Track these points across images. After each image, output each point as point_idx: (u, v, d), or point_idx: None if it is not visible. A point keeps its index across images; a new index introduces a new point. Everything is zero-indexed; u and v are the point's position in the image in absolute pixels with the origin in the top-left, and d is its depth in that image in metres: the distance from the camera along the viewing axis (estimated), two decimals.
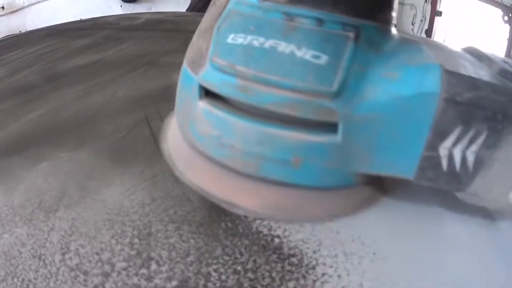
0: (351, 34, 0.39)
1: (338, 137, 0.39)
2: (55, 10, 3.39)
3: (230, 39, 0.41)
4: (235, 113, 0.41)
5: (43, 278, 0.38)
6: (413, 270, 0.41)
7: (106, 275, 0.38)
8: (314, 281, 0.38)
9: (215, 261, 0.39)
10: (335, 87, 0.38)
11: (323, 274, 0.39)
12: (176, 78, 0.73)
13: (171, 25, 1.17)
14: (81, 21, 1.28)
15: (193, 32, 0.97)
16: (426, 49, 0.42)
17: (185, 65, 0.47)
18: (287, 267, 0.39)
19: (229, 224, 0.43)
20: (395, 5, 0.44)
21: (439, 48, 0.43)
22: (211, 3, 0.48)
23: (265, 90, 0.39)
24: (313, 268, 0.39)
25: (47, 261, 0.39)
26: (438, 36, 4.79)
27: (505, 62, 0.43)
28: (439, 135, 0.39)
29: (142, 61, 0.83)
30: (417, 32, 5.20)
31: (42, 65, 0.84)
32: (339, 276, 0.39)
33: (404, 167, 0.41)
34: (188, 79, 0.45)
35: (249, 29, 0.41)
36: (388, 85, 0.39)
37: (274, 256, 0.40)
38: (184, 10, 2.35)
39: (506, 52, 3.64)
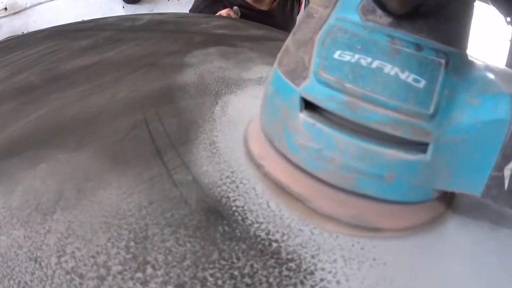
0: (443, 61, 0.41)
1: (427, 156, 0.41)
2: (57, 11, 3.39)
3: (337, 55, 0.42)
4: (338, 128, 0.42)
5: (39, 281, 0.37)
6: (413, 276, 0.41)
7: (102, 278, 0.37)
8: (313, 286, 0.38)
9: (211, 266, 0.39)
10: (431, 109, 0.40)
11: (322, 280, 0.39)
12: (177, 79, 0.73)
13: (172, 26, 1.17)
14: (82, 22, 1.28)
15: (194, 33, 0.97)
16: (493, 76, 0.44)
17: (280, 73, 0.48)
18: (285, 272, 0.39)
19: (226, 228, 0.42)
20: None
21: (498, 71, 0.45)
22: (308, 14, 0.49)
23: (371, 108, 0.40)
24: (312, 273, 0.39)
25: (43, 264, 0.39)
26: None
27: None
28: (506, 157, 0.41)
29: (143, 62, 0.83)
30: None
31: (43, 66, 0.84)
32: (337, 282, 0.39)
33: (474, 185, 0.43)
34: (287, 89, 0.46)
35: (356, 47, 0.42)
36: (471, 110, 0.41)
37: (272, 261, 0.40)
38: (187, 11, 2.34)
39: (509, 53, 3.64)
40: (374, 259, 0.41)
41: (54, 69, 0.82)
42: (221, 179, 0.48)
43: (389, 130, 0.40)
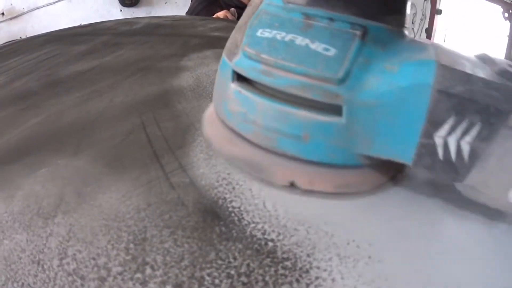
0: (358, 32, 0.45)
1: (342, 119, 0.45)
2: (55, 16, 3.39)
3: (259, 33, 0.48)
4: (259, 93, 0.48)
5: (41, 283, 0.38)
6: (409, 273, 0.41)
7: (102, 279, 0.38)
8: (308, 284, 0.39)
9: (208, 266, 0.39)
10: (340, 74, 0.43)
11: (317, 278, 0.39)
12: (174, 83, 0.74)
13: (169, 29, 1.17)
14: (80, 26, 1.29)
15: (190, 36, 0.98)
16: (430, 49, 0.46)
17: (223, 54, 0.54)
18: (281, 271, 0.40)
19: (223, 229, 0.43)
20: (407, 10, 0.50)
21: (445, 50, 0.47)
22: (249, 3, 0.55)
23: (283, 74, 0.46)
24: (307, 271, 0.40)
25: (45, 266, 0.39)
26: (438, 34, 4.79)
27: (510, 65, 0.46)
28: (434, 124, 0.43)
29: (140, 66, 0.83)
30: (417, 31, 5.19)
31: (41, 72, 0.84)
32: (333, 280, 0.39)
33: (402, 152, 0.45)
34: (225, 65, 0.52)
35: (274, 25, 0.48)
36: (388, 76, 0.44)
37: (268, 260, 0.40)
38: (184, 14, 2.35)
39: (507, 49, 3.64)
40: (369, 257, 0.42)
41: (52, 74, 0.82)
42: (217, 181, 0.49)
43: (299, 93, 0.45)
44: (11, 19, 3.34)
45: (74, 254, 0.40)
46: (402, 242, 0.44)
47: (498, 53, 3.66)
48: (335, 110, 0.45)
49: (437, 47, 0.47)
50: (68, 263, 0.39)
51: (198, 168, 0.51)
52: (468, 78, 0.42)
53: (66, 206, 0.46)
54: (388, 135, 0.45)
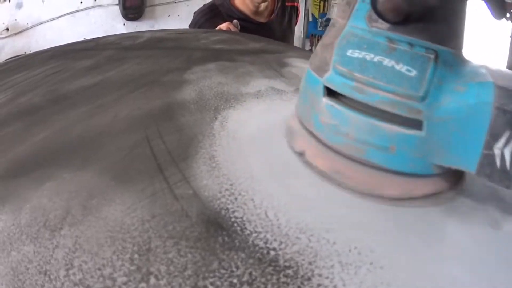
0: (432, 56, 0.50)
1: (423, 132, 0.50)
2: (59, 30, 3.39)
3: (349, 53, 0.53)
4: (350, 108, 0.53)
5: None
6: (411, 279, 0.42)
7: None
8: None
9: (211, 275, 0.40)
10: (421, 92, 0.49)
11: (319, 285, 0.40)
12: (177, 96, 0.74)
13: (172, 43, 1.17)
14: (83, 41, 1.29)
15: (194, 49, 0.98)
16: (484, 70, 0.51)
17: (310, 70, 0.58)
18: (283, 279, 0.40)
19: (226, 239, 0.44)
20: (465, 34, 0.55)
21: (495, 70, 0.52)
22: (331, 24, 0.60)
23: (374, 91, 0.50)
24: (309, 279, 0.40)
25: (52, 277, 0.40)
26: None
27: None
28: (493, 136, 0.48)
29: (144, 81, 0.84)
30: None
31: (46, 87, 0.85)
32: (335, 287, 0.40)
33: (468, 162, 0.50)
34: (314, 81, 0.57)
35: (362, 47, 0.52)
36: (457, 95, 0.49)
37: (270, 269, 0.41)
38: (187, 26, 2.34)
39: (509, 49, 3.63)
40: (371, 263, 0.42)
41: (57, 90, 0.83)
42: (220, 192, 0.50)
43: (388, 108, 0.50)
44: (15, 34, 3.34)
45: (80, 265, 0.41)
46: (403, 248, 0.45)
47: (500, 54, 3.65)
48: (417, 124, 0.50)
49: (486, 68, 0.52)
50: (74, 274, 0.40)
51: (201, 179, 0.52)
52: None
53: (72, 218, 0.46)
54: (458, 146, 0.50)
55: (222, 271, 0.40)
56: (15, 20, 3.36)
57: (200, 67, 0.90)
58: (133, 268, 0.40)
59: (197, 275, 0.40)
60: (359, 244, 0.45)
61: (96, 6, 3.55)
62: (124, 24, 3.64)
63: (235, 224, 0.46)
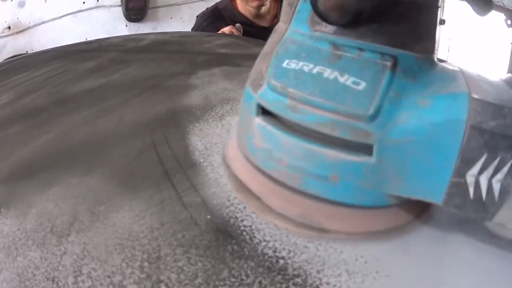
0: (388, 63, 0.42)
1: (372, 158, 0.42)
2: (61, 30, 3.39)
3: (285, 64, 0.46)
4: (284, 129, 0.45)
5: None
6: (416, 287, 0.42)
7: None
8: None
9: (222, 283, 0.40)
10: (371, 111, 0.41)
11: None
12: (182, 101, 0.74)
13: (176, 46, 1.17)
14: (86, 42, 1.29)
15: (197, 52, 0.98)
16: (459, 76, 0.44)
17: (247, 84, 0.51)
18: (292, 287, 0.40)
19: (235, 247, 0.44)
20: (437, 35, 0.48)
21: (472, 76, 0.45)
22: (274, 30, 0.52)
23: (310, 110, 0.43)
24: (317, 287, 0.40)
25: (60, 284, 0.40)
26: (442, 45, 4.78)
27: None
28: (466, 162, 0.40)
29: (148, 84, 0.84)
30: None
31: (49, 89, 0.85)
32: None
33: (433, 192, 0.42)
34: (249, 97, 0.49)
35: (301, 55, 0.45)
36: (420, 112, 0.41)
37: (279, 277, 0.41)
38: (190, 29, 2.35)
39: (511, 56, 3.63)
40: (377, 272, 0.42)
41: (60, 91, 0.82)
42: (229, 200, 0.50)
43: (328, 131, 0.42)
44: (17, 33, 3.34)
45: (89, 272, 0.41)
46: (409, 257, 0.44)
47: (502, 61, 3.66)
48: (365, 149, 0.42)
49: (464, 73, 0.45)
50: (83, 281, 0.40)
51: (210, 187, 0.52)
52: (500, 111, 0.40)
53: (79, 224, 0.46)
54: (420, 174, 0.42)
55: (232, 279, 0.40)
56: (17, 18, 3.36)
57: (205, 71, 0.90)
58: (143, 276, 0.40)
59: (207, 283, 0.40)
60: (365, 252, 0.44)
61: (98, 7, 3.54)
62: (127, 26, 3.63)
63: (244, 233, 0.46)
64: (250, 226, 0.46)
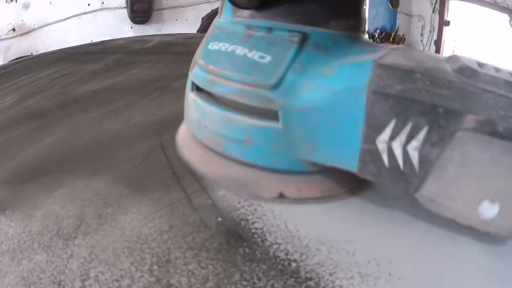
0: (296, 39, 0.46)
1: (279, 124, 0.46)
2: (65, 32, 3.40)
3: (210, 46, 0.52)
4: (208, 101, 0.52)
5: None
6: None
7: None
8: None
9: (233, 287, 0.39)
10: (273, 80, 0.45)
11: None
12: None
13: (182, 48, 1.17)
14: (91, 44, 1.29)
15: None
16: (383, 51, 0.45)
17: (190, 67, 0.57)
18: None
19: (247, 250, 0.43)
20: (363, 14, 0.51)
21: (406, 52, 0.45)
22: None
23: (224, 83, 0.49)
24: None
25: (67, 287, 0.39)
26: (447, 46, 4.79)
27: (478, 63, 0.41)
28: (374, 128, 0.41)
29: (155, 86, 0.84)
30: (426, 43, 5.19)
31: (54, 90, 0.85)
32: None
33: (345, 159, 0.45)
34: (188, 77, 0.56)
35: (222, 38, 0.52)
36: (322, 80, 0.44)
37: (292, 280, 0.40)
38: (195, 31, 2.35)
39: None
40: (389, 274, 0.42)
41: (65, 93, 0.82)
42: (239, 202, 0.49)
43: (238, 99, 0.48)
44: (22, 35, 3.35)
45: (97, 276, 0.40)
46: (420, 259, 0.44)
47: (506, 61, 3.66)
48: (272, 115, 0.46)
49: (396, 49, 0.45)
50: (90, 285, 0.39)
51: (219, 189, 0.51)
52: (409, 75, 0.40)
53: (86, 227, 0.46)
54: (328, 140, 0.45)
55: (244, 283, 0.40)
56: (22, 20, 3.37)
57: None
58: (152, 279, 0.39)
59: (219, 287, 0.39)
60: (378, 255, 0.44)
61: (103, 9, 3.56)
62: (132, 27, 3.65)
63: (256, 235, 0.45)
64: (262, 229, 0.46)
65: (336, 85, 0.43)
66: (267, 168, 0.50)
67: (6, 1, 3.26)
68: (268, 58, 0.46)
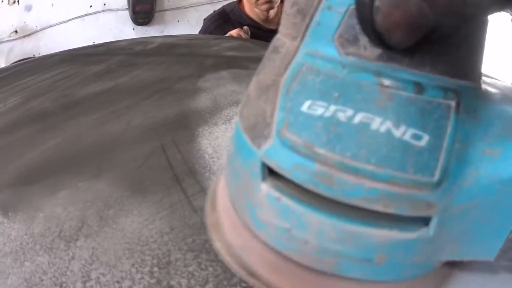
0: (453, 102, 0.30)
1: (430, 232, 0.31)
2: (68, 34, 3.39)
3: (305, 107, 0.31)
4: (310, 204, 0.32)
5: None
6: None
7: None
8: None
9: None
10: (437, 175, 0.29)
11: None
12: (191, 104, 0.74)
13: (184, 49, 1.17)
14: (94, 46, 1.29)
15: (205, 56, 0.97)
16: None
17: (241, 129, 0.36)
18: None
19: None
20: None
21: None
22: (273, 47, 0.37)
23: (353, 181, 0.29)
24: None
25: None
26: None
27: None
28: None
29: (157, 87, 0.83)
30: None
31: (57, 92, 0.85)
32: None
33: (488, 250, 0.34)
34: (246, 150, 0.35)
35: (332, 95, 0.31)
36: (488, 165, 0.31)
37: None
38: (197, 32, 2.35)
39: None
40: None
41: (68, 95, 0.82)
42: None
43: (379, 207, 0.30)
44: (24, 37, 3.34)
45: (98, 277, 0.40)
46: None
47: (510, 61, 3.65)
48: (421, 222, 0.31)
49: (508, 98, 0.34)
50: (91, 286, 0.40)
51: None
52: None
53: (88, 229, 0.46)
54: (479, 236, 0.33)
55: (244, 284, 0.40)
56: (24, 22, 3.36)
57: (213, 74, 0.90)
58: (153, 281, 0.40)
59: None
60: None
61: (105, 10, 3.54)
62: (134, 29, 3.63)
63: None
64: None
65: (505, 172, 0.31)
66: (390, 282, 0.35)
67: (8, 3, 3.25)
68: (425, 138, 0.29)
